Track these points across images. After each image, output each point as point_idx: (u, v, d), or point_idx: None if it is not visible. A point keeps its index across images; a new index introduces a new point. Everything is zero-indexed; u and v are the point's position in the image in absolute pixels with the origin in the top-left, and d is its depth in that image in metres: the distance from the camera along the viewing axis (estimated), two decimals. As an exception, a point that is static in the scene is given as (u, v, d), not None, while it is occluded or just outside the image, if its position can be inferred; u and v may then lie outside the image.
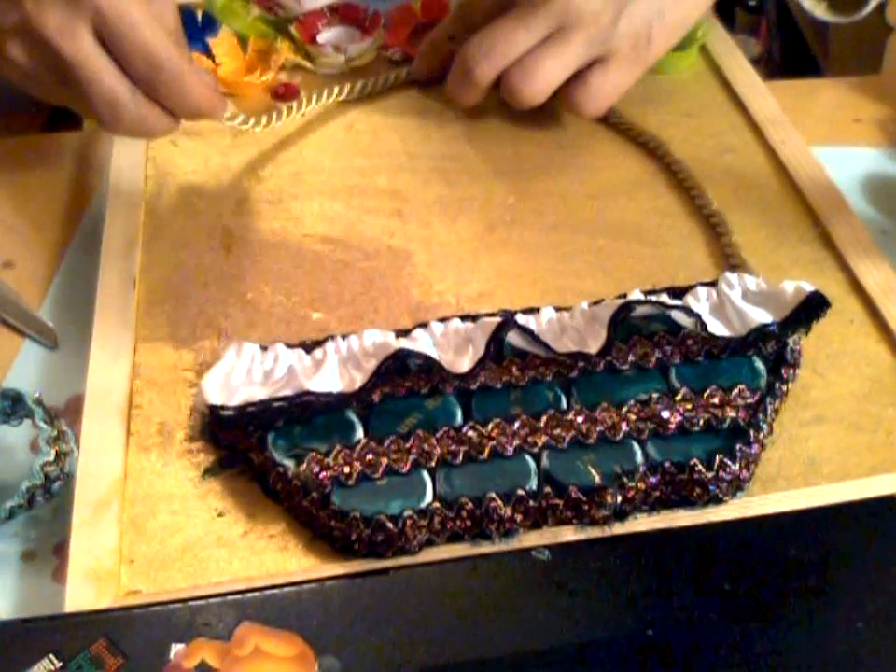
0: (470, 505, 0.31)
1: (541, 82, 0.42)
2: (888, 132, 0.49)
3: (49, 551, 0.33)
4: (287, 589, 0.30)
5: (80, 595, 0.30)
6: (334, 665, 0.29)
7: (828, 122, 0.50)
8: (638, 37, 0.42)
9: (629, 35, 0.42)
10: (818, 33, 0.60)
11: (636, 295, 0.36)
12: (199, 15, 0.53)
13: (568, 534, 0.32)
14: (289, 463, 0.32)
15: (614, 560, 0.31)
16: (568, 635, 0.29)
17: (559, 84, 0.43)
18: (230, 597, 0.30)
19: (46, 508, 0.33)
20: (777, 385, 0.35)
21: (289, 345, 0.36)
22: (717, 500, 0.32)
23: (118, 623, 0.29)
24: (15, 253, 0.44)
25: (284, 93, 0.50)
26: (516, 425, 0.33)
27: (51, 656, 0.28)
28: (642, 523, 0.32)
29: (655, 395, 0.34)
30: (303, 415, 0.33)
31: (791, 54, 0.53)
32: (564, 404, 0.34)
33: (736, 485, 0.33)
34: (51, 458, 0.32)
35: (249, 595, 0.30)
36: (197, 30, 0.53)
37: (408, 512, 0.31)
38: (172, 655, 0.28)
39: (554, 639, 0.29)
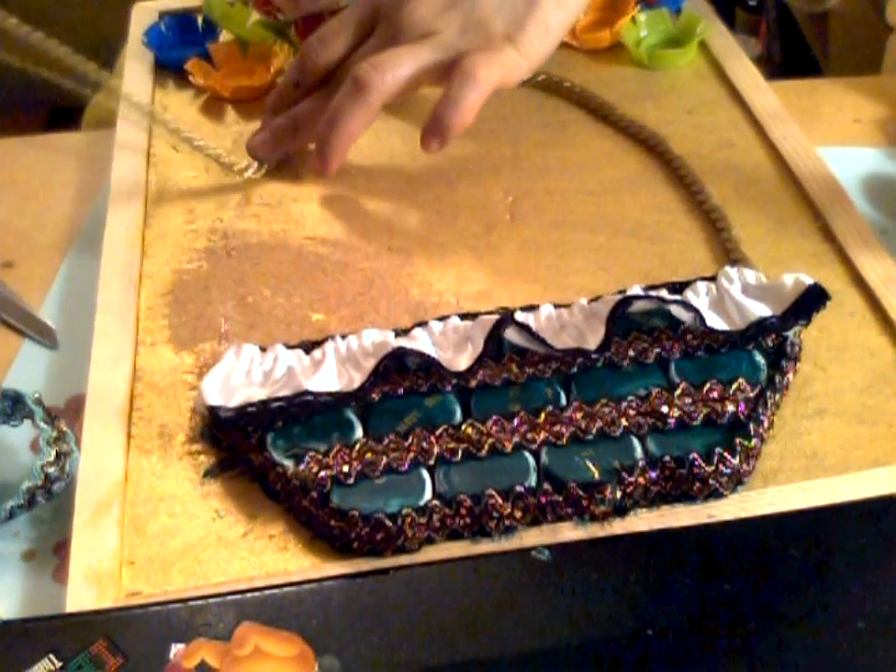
0: (469, 502, 0.31)
1: (389, 67, 0.39)
2: (888, 132, 0.49)
3: (50, 551, 0.33)
4: (286, 589, 0.30)
5: (81, 597, 0.30)
6: (334, 665, 0.29)
7: (828, 122, 0.50)
8: (494, 42, 0.39)
9: (481, 40, 0.39)
10: (818, 33, 0.60)
11: (635, 290, 0.36)
12: (199, 20, 0.53)
13: (568, 531, 0.32)
14: (289, 463, 0.32)
15: (614, 560, 0.31)
16: (568, 635, 0.29)
17: (410, 78, 0.39)
18: (230, 597, 0.30)
19: (46, 508, 0.33)
20: (778, 378, 0.35)
21: (289, 346, 0.36)
22: (717, 495, 0.32)
23: (118, 623, 0.29)
24: (15, 253, 0.44)
25: (283, 96, 0.50)
26: (515, 422, 0.33)
27: (51, 656, 0.28)
28: (642, 519, 0.32)
29: (655, 390, 0.34)
30: (302, 415, 0.33)
31: (791, 54, 0.53)
32: (563, 401, 0.34)
33: (737, 479, 0.33)
34: (52, 459, 0.32)
35: (249, 595, 0.30)
36: (197, 35, 0.53)
37: (407, 510, 0.31)
38: (172, 655, 0.28)
39: (554, 639, 0.29)
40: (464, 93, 0.38)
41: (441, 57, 0.39)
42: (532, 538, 0.32)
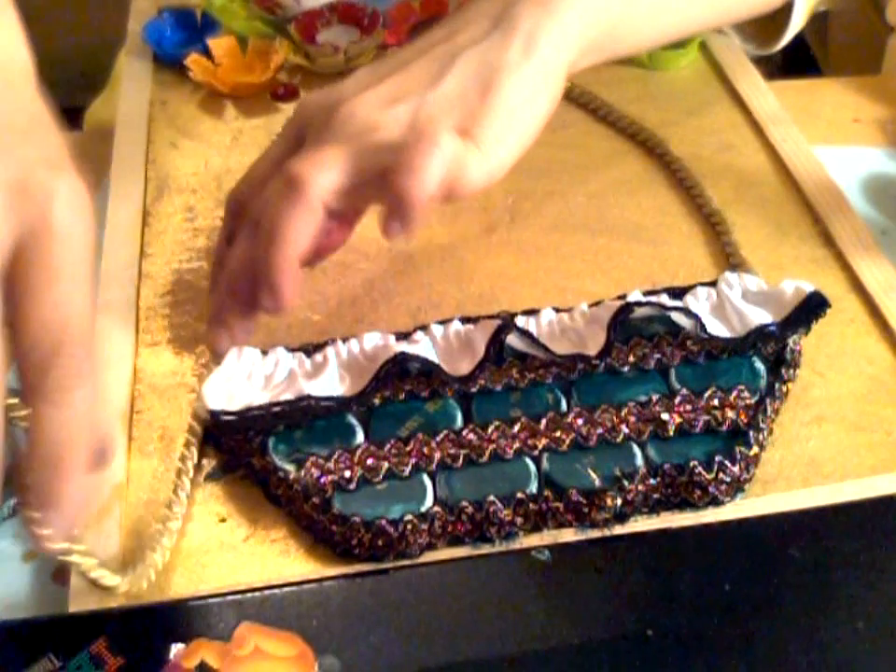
0: (471, 508, 0.31)
1: (326, 162, 0.31)
2: (888, 132, 0.49)
3: (50, 551, 0.33)
4: (286, 589, 0.30)
5: (81, 599, 0.30)
6: (334, 665, 0.29)
7: (828, 122, 0.50)
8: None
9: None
10: (818, 33, 0.60)
11: (635, 296, 0.36)
12: (198, 15, 0.53)
13: (568, 535, 0.32)
14: (290, 467, 0.32)
15: (614, 560, 0.31)
16: (568, 635, 0.30)
17: (350, 175, 0.32)
18: (230, 597, 0.30)
19: (47, 509, 0.33)
20: (777, 385, 0.35)
21: (290, 349, 0.36)
22: (717, 502, 0.32)
23: (118, 623, 0.29)
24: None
25: (283, 94, 0.50)
26: (516, 427, 0.33)
27: (51, 656, 0.29)
28: (642, 525, 0.32)
29: (655, 396, 0.34)
30: (304, 419, 0.33)
31: (791, 54, 0.53)
32: (564, 406, 0.34)
33: (736, 487, 0.33)
34: (54, 460, 0.32)
35: (249, 595, 0.30)
36: (196, 30, 0.53)
37: (408, 517, 0.31)
38: (172, 655, 0.29)
39: (554, 639, 0.29)
40: (423, 156, 0.31)
41: (386, 156, 0.31)
42: (532, 542, 0.32)
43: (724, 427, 0.34)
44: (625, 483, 0.32)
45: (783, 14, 0.46)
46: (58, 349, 0.24)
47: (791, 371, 0.36)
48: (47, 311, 0.24)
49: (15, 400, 0.32)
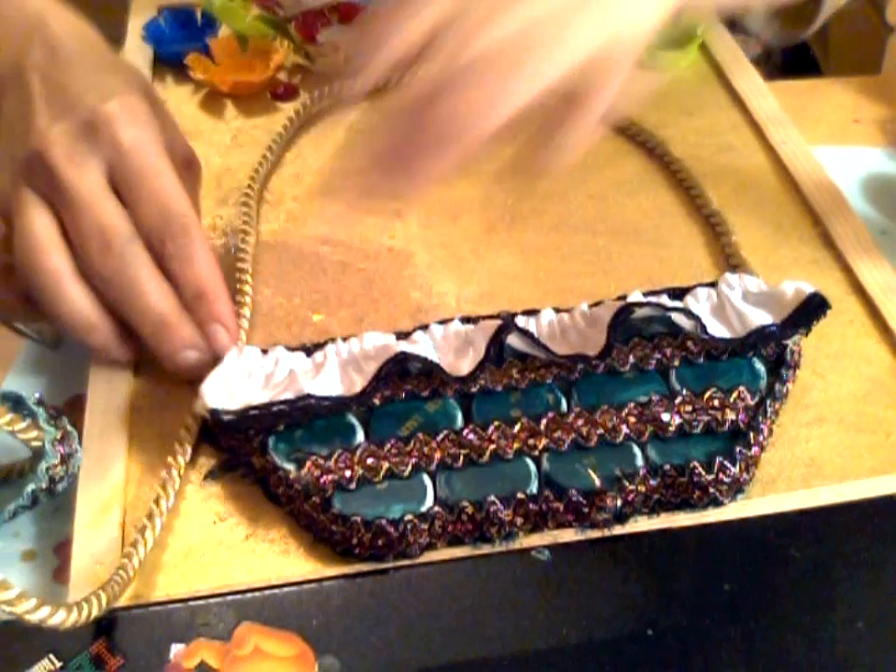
0: (471, 508, 0.31)
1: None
2: (888, 132, 0.49)
3: (50, 551, 0.33)
4: (286, 589, 0.31)
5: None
6: (334, 665, 0.29)
7: (828, 122, 0.50)
8: None
9: None
10: (818, 33, 0.60)
11: (635, 296, 0.36)
12: (198, 15, 0.53)
13: (568, 535, 0.32)
14: (290, 467, 0.32)
15: (614, 560, 0.31)
16: (568, 635, 0.30)
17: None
18: (230, 597, 0.30)
19: (47, 508, 0.33)
20: (777, 386, 0.35)
21: (290, 348, 0.36)
22: (717, 503, 0.33)
23: (118, 623, 0.30)
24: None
25: (283, 93, 0.50)
26: (516, 428, 0.33)
27: (51, 656, 0.29)
28: (642, 525, 0.32)
29: (655, 397, 0.34)
30: (304, 419, 0.33)
31: (791, 54, 0.53)
32: (564, 407, 0.34)
33: (736, 488, 0.33)
34: (57, 461, 0.32)
35: (249, 595, 0.30)
36: (196, 30, 0.53)
37: (409, 516, 0.31)
38: (172, 655, 0.29)
39: (554, 639, 0.30)
40: (597, 95, 0.31)
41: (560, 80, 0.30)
42: (532, 542, 0.32)
43: (724, 428, 0.34)
44: (626, 483, 0.32)
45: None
46: (166, 226, 0.33)
47: (792, 371, 0.36)
48: (148, 203, 0.34)
49: (13, 415, 0.32)
